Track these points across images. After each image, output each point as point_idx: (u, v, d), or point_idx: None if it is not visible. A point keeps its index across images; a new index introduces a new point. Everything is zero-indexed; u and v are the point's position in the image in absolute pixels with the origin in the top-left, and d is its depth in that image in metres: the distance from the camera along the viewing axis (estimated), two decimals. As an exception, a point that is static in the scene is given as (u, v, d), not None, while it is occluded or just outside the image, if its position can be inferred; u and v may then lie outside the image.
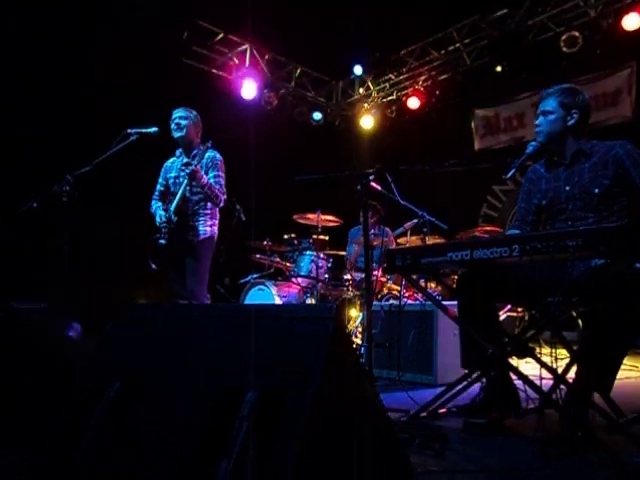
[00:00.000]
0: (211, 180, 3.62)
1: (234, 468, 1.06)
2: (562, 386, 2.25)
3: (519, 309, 4.78)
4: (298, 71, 8.06)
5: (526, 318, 4.78)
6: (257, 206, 5.69)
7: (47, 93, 5.24)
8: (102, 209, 5.42)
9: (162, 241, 3.54)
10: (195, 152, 3.74)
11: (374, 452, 1.34)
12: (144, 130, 3.50)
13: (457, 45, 7.18)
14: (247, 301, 5.40)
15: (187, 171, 3.49)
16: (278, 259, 5.51)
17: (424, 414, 2.53)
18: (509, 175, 2.53)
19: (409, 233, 5.15)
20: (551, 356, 2.26)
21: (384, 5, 6.19)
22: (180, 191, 3.60)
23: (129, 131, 3.48)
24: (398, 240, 5.44)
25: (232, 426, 1.11)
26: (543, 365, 2.34)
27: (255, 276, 5.63)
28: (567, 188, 2.45)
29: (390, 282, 5.15)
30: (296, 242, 5.40)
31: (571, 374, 2.27)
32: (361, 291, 4.81)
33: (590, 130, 2.54)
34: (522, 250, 2.00)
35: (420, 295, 4.22)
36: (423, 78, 7.67)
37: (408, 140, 7.78)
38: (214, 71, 7.34)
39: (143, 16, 5.81)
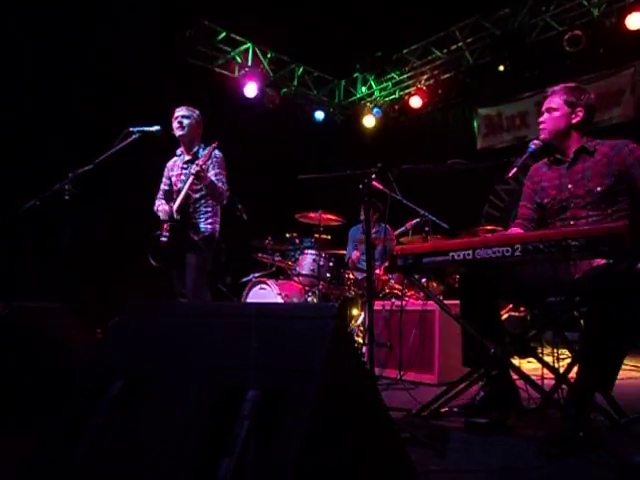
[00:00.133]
0: (213, 178, 3.63)
1: (235, 467, 1.06)
2: (563, 386, 2.25)
3: (522, 309, 4.77)
4: (300, 70, 8.06)
5: (528, 318, 4.77)
6: (259, 205, 5.71)
7: (48, 93, 5.25)
8: (104, 207, 5.43)
9: (164, 239, 3.54)
10: (196, 149, 3.74)
11: (375, 451, 1.34)
12: (146, 129, 3.50)
13: (460, 44, 7.16)
14: (249, 300, 5.40)
15: (192, 171, 3.49)
16: (280, 258, 5.51)
17: (425, 413, 2.53)
18: (511, 174, 2.52)
19: (411, 232, 5.14)
20: (553, 356, 2.26)
21: (387, 4, 6.20)
22: (183, 189, 3.60)
23: (131, 130, 3.48)
24: (400, 239, 5.43)
25: (233, 425, 1.11)
26: (545, 365, 2.34)
27: (257, 275, 5.63)
28: (569, 186, 2.45)
29: (392, 281, 5.14)
30: (298, 241, 5.40)
31: (572, 374, 2.27)
32: (362, 290, 4.80)
33: (593, 129, 2.54)
34: (524, 250, 2.00)
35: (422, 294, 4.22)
36: (425, 77, 7.66)
37: (410, 139, 7.77)
38: (217, 70, 7.34)
39: (145, 15, 5.82)
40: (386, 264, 4.82)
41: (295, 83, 8.07)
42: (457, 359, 2.70)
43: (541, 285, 2.29)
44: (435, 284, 4.95)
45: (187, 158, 3.77)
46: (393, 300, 4.12)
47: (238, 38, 7.27)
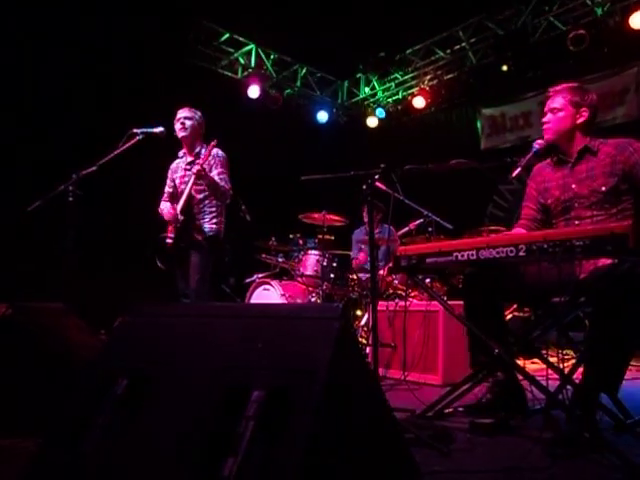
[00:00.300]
0: (216, 177, 3.63)
1: (240, 467, 1.06)
2: (569, 386, 2.24)
3: (526, 309, 4.76)
4: (303, 71, 8.07)
5: (532, 318, 4.76)
6: (263, 206, 5.72)
7: (50, 93, 5.27)
8: (107, 209, 5.45)
9: (169, 240, 3.55)
10: (198, 150, 3.74)
11: (379, 452, 1.34)
12: (150, 130, 3.51)
13: (463, 44, 7.15)
14: (252, 301, 5.40)
15: (194, 171, 3.50)
16: (283, 259, 5.51)
17: (430, 414, 2.52)
18: (515, 174, 2.52)
19: (414, 233, 5.14)
20: (558, 356, 2.25)
21: (389, 4, 6.20)
22: (186, 190, 3.60)
23: (135, 131, 3.49)
24: (403, 240, 5.42)
25: (238, 425, 1.11)
26: (549, 365, 2.33)
27: (260, 275, 5.63)
28: (573, 186, 2.44)
29: (395, 282, 5.13)
30: (301, 242, 5.39)
31: (578, 374, 2.26)
32: (366, 291, 4.80)
33: (596, 129, 2.54)
34: (528, 250, 2.00)
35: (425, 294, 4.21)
36: (429, 77, 7.65)
37: (413, 140, 7.77)
38: (220, 71, 7.36)
39: (148, 16, 5.83)
40: (390, 265, 4.81)
41: (298, 84, 8.08)
42: (461, 359, 2.70)
43: (545, 285, 2.28)
44: (439, 284, 4.94)
45: (190, 159, 3.77)
46: (397, 300, 4.11)
47: (241, 39, 7.28)
